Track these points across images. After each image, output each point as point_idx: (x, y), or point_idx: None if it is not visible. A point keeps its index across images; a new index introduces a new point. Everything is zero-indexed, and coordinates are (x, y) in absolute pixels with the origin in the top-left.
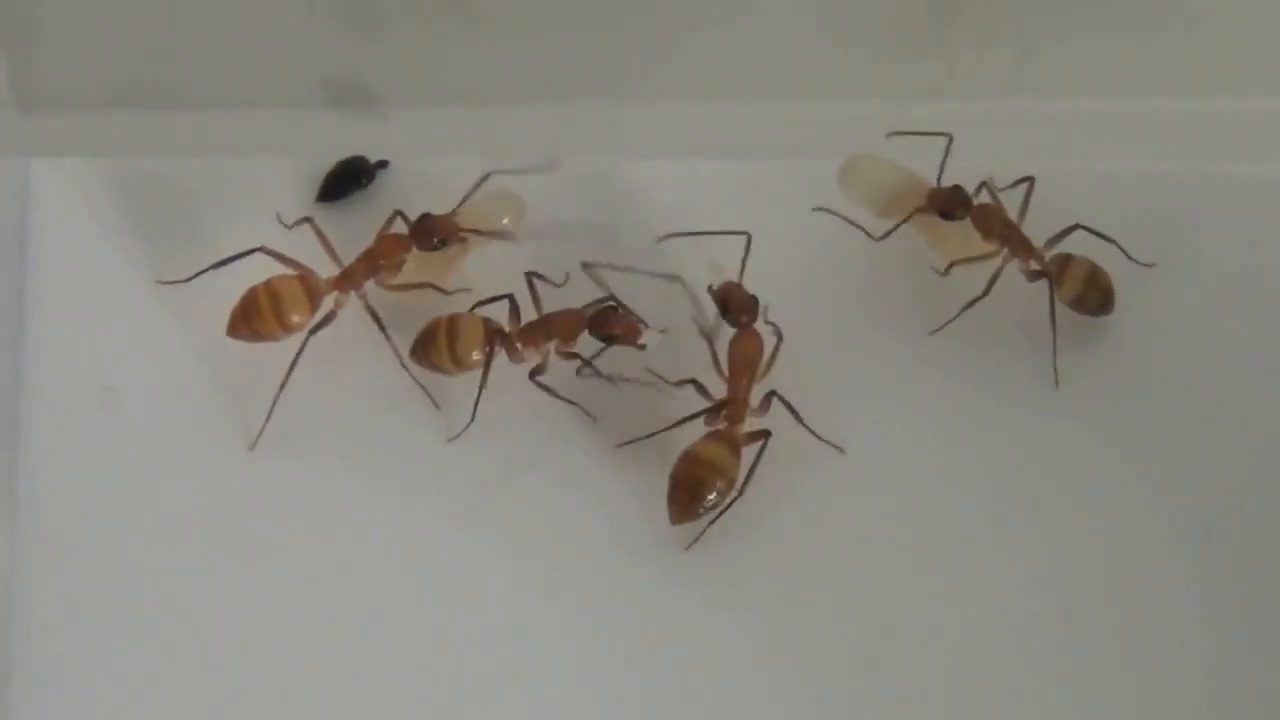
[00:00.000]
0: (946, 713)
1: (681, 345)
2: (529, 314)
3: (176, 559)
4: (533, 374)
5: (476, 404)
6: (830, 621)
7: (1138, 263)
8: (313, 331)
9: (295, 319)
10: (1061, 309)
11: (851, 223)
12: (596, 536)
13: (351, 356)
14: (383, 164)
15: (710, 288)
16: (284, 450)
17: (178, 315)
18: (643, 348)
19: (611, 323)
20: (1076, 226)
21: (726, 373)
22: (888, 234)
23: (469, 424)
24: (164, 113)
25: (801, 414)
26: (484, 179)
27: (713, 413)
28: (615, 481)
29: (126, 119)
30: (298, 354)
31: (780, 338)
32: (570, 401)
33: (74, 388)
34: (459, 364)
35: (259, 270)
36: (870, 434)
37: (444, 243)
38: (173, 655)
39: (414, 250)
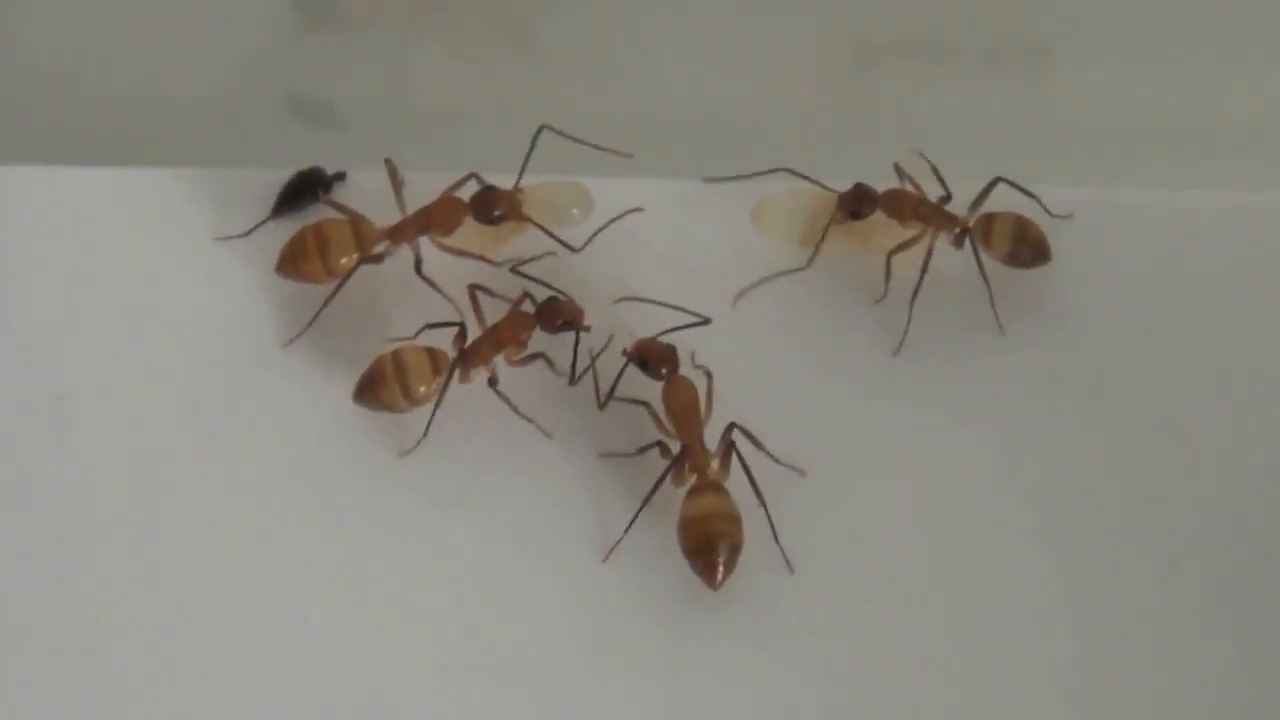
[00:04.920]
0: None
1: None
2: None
3: (131, 567)
4: (491, 383)
5: (430, 421)
6: (796, 605)
7: (1054, 215)
8: (362, 262)
9: (342, 263)
10: (1001, 271)
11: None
12: (559, 545)
13: (307, 373)
14: (340, 176)
15: (624, 351)
16: (239, 462)
17: (131, 323)
18: (588, 329)
19: (560, 312)
20: (997, 180)
21: (671, 426)
22: (812, 258)
23: (422, 438)
24: (120, 122)
25: (764, 441)
26: (539, 132)
27: (676, 470)
28: (575, 491)
29: (83, 127)
30: (340, 284)
31: (709, 376)
32: (527, 419)
33: (26, 395)
34: (413, 399)
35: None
36: (837, 451)
37: (502, 219)
38: (130, 661)
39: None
